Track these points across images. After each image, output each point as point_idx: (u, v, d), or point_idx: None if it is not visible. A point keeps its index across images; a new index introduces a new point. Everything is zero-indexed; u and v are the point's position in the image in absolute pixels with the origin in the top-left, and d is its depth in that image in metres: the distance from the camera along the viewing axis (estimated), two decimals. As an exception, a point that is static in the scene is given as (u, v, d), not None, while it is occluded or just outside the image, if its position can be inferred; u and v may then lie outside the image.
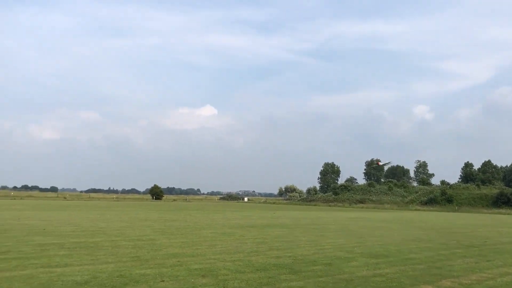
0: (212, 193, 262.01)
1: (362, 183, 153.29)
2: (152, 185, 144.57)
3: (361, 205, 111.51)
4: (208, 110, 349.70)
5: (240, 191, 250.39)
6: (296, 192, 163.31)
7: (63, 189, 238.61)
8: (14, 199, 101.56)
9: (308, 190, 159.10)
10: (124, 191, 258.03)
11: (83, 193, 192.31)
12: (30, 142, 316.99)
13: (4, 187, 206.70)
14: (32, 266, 13.25)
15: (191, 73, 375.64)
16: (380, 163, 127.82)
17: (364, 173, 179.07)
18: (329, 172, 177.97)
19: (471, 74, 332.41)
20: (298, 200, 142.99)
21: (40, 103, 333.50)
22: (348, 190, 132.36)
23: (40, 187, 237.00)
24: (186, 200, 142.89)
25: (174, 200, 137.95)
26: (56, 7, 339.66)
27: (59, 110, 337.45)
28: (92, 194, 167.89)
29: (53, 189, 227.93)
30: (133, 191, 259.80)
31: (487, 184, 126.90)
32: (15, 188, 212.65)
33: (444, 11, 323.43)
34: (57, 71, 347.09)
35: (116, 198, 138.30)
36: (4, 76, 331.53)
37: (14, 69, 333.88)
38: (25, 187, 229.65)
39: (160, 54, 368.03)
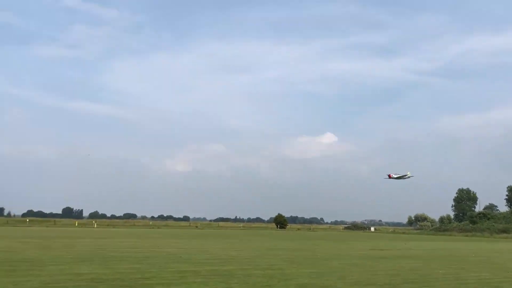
0: (336, 223, 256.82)
1: (505, 211, 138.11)
2: (276, 214, 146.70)
3: (505, 235, 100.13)
4: (328, 138, 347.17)
5: (365, 220, 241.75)
6: (427, 221, 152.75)
7: (194, 218, 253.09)
8: (153, 228, 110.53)
9: (441, 219, 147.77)
10: (249, 220, 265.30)
11: (212, 222, 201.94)
12: (165, 175, 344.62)
13: (143, 217, 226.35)
14: (173, 291, 14.11)
15: (310, 101, 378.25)
16: (393, 176, 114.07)
17: (506, 199, 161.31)
18: (464, 199, 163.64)
19: None
20: (430, 230, 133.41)
21: (173, 138, 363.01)
22: (488, 219, 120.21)
23: (174, 216, 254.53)
24: (310, 229, 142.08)
25: (298, 229, 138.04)
26: (184, 49, 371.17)
27: (190, 144, 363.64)
28: (221, 223, 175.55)
29: (185, 218, 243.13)
30: (258, 220, 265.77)
31: None
32: (152, 217, 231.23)
33: None
34: (186, 109, 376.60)
35: (243, 226, 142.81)
36: (142, 116, 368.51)
37: (150, 108, 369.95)
38: (161, 217, 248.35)
39: (280, 86, 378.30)
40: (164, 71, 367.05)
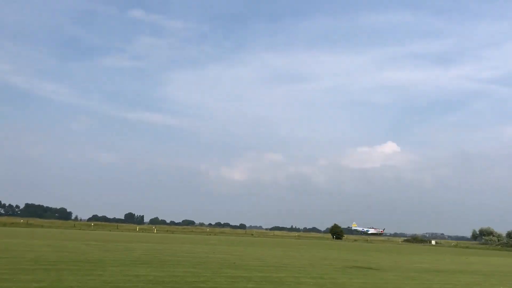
0: (396, 235, 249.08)
1: None
2: (332, 224, 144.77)
3: None
4: (390, 147, 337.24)
5: (426, 233, 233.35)
6: (493, 236, 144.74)
7: (250, 226, 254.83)
8: (209, 235, 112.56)
9: (509, 234, 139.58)
10: (305, 230, 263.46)
11: (268, 231, 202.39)
12: (223, 183, 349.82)
13: (201, 224, 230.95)
14: (225, 295, 14.75)
15: (368, 111, 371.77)
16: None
17: None
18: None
19: None
20: (497, 245, 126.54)
21: (231, 148, 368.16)
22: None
23: (230, 224, 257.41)
24: (367, 241, 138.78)
25: (355, 240, 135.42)
26: (240, 60, 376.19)
27: (247, 153, 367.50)
28: (276, 232, 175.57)
29: (242, 226, 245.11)
30: (314, 230, 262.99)
31: None
32: (210, 224, 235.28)
33: None
34: (243, 118, 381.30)
35: (298, 236, 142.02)
36: (201, 126, 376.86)
37: (208, 118, 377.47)
38: (218, 224, 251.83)
39: (336, 95, 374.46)
40: (221, 82, 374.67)
